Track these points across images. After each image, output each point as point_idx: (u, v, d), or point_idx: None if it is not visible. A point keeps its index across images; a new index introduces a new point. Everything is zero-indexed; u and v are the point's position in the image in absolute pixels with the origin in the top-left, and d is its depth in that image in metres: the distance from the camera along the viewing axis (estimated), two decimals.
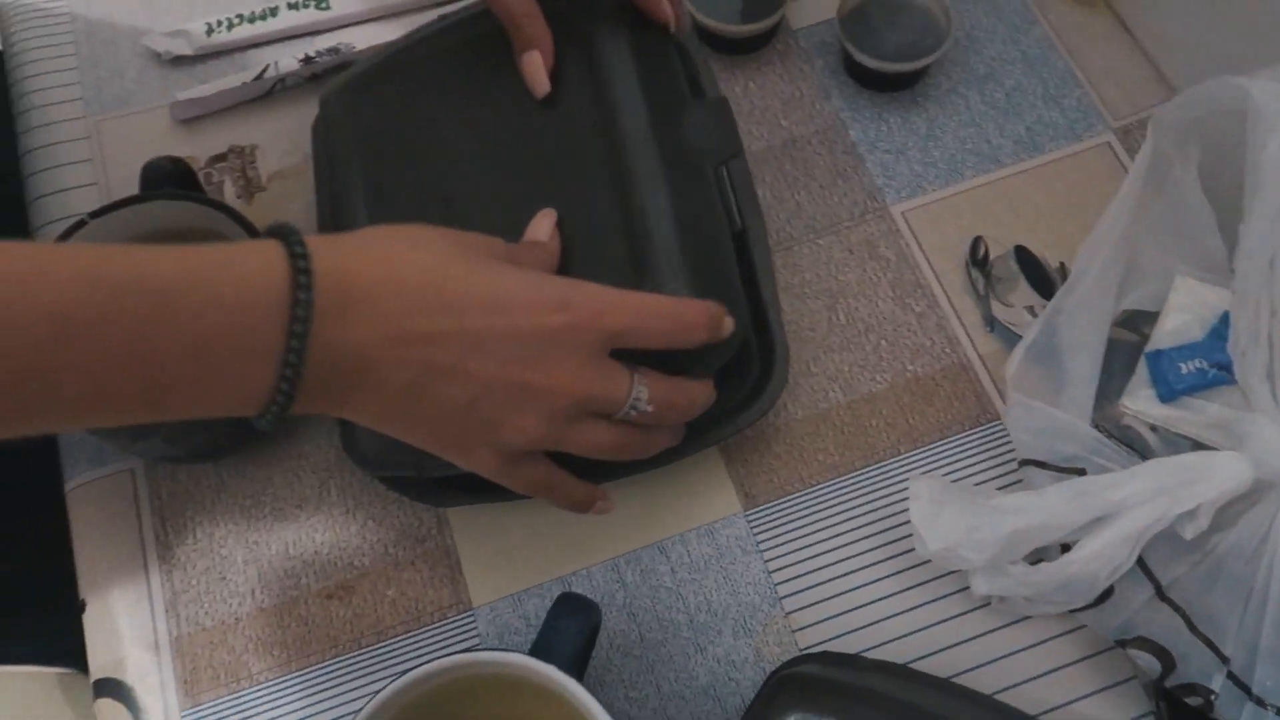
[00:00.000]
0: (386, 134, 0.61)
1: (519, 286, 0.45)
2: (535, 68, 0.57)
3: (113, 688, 0.57)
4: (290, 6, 0.74)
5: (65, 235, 0.54)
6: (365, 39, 0.72)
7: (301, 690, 0.56)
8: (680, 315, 0.48)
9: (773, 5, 0.70)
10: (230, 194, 0.69)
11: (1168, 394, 0.58)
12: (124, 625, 0.58)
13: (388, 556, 0.59)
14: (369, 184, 0.59)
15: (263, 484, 0.61)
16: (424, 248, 0.45)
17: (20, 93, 0.73)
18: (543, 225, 0.53)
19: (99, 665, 0.57)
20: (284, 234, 0.41)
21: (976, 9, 0.73)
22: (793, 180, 0.68)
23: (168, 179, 0.58)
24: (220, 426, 0.55)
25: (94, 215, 0.54)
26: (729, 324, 0.50)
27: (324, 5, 0.74)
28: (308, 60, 0.71)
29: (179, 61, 0.74)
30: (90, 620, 0.58)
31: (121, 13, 0.76)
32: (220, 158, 0.70)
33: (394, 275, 0.43)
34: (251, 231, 0.54)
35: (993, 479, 0.60)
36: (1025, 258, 0.65)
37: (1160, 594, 0.52)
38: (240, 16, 0.74)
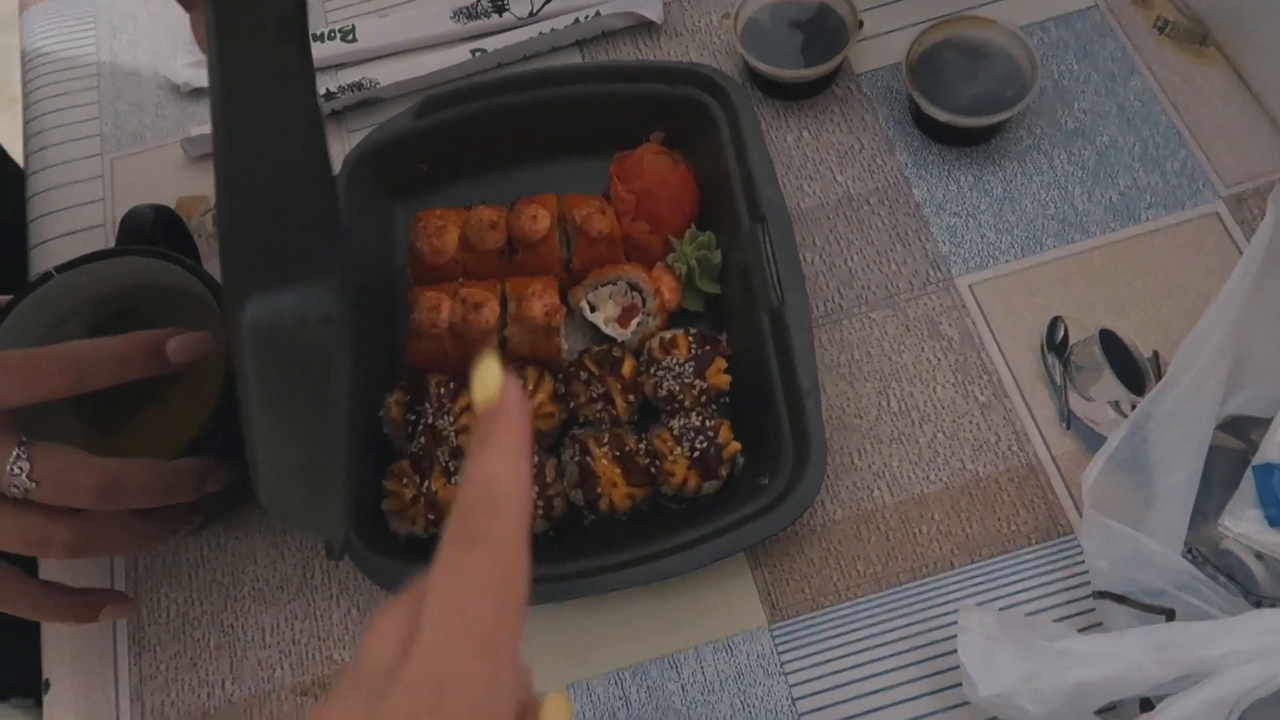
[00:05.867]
0: None
1: None
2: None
3: None
4: (316, 38, 0.70)
5: (29, 289, 0.49)
6: (390, 75, 0.67)
7: None
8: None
9: (834, 47, 0.63)
10: None
11: (1278, 517, 0.49)
12: (85, 711, 0.53)
13: None
14: None
15: (244, 560, 0.56)
16: None
17: (36, 130, 0.70)
18: None
19: None
20: None
21: (1067, 54, 0.65)
22: (846, 244, 0.61)
23: (150, 229, 0.53)
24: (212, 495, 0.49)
25: (60, 269, 0.50)
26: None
27: (350, 38, 0.69)
28: (329, 96, 0.67)
29: (198, 94, 0.70)
30: (51, 702, 0.54)
31: (146, 42, 0.73)
32: None
33: None
34: (216, 292, 0.49)
35: (1061, 606, 0.51)
36: (1111, 344, 0.56)
37: None
38: None
